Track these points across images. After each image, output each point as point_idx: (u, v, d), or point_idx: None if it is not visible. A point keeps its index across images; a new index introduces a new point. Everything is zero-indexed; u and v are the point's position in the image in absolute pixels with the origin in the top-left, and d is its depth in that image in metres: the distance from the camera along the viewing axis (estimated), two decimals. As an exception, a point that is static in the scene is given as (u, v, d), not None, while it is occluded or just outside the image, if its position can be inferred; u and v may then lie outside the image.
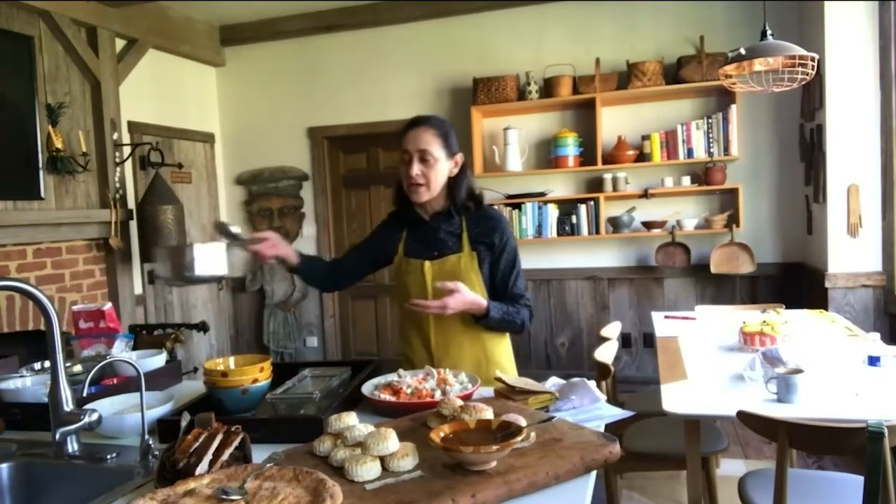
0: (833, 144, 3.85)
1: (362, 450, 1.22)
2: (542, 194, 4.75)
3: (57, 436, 1.44)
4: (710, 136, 4.44)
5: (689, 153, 4.48)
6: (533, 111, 4.89)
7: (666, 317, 3.48)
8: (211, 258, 1.72)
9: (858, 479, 2.00)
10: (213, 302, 5.48)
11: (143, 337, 2.39)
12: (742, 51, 2.69)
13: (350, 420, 1.35)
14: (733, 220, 4.44)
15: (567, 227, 4.74)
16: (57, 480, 1.45)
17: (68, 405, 1.45)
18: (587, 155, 4.69)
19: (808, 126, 4.19)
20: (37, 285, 1.62)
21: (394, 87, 5.20)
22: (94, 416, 1.46)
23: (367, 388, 1.70)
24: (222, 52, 5.51)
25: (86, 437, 1.52)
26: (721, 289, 4.66)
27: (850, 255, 3.85)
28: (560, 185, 4.88)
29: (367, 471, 1.16)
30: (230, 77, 5.58)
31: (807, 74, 2.72)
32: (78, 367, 1.94)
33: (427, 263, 1.99)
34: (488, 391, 1.73)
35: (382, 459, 1.20)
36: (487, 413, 1.37)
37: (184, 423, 1.29)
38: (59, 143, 3.89)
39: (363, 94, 5.27)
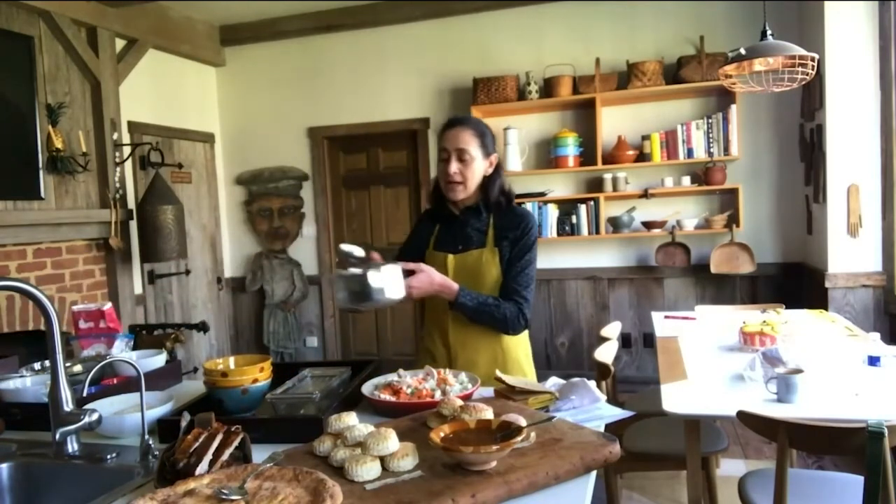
0: (833, 144, 3.85)
1: (362, 450, 1.22)
2: (542, 194, 4.75)
3: (57, 436, 1.44)
4: (710, 136, 4.44)
5: (689, 153, 4.48)
6: (533, 111, 4.89)
7: (666, 317, 3.48)
8: (389, 283, 1.74)
9: (858, 479, 2.00)
10: (213, 302, 5.48)
11: (143, 337, 2.39)
12: (742, 51, 2.69)
13: (350, 420, 1.35)
14: (733, 220, 4.44)
15: (567, 227, 4.74)
16: (57, 480, 1.45)
17: (68, 405, 1.45)
18: (587, 155, 4.69)
19: (808, 126, 4.19)
20: (37, 285, 1.62)
21: (394, 87, 5.20)
22: (94, 416, 1.46)
23: (367, 388, 1.70)
24: (222, 52, 5.51)
25: (86, 437, 1.52)
26: (721, 289, 4.66)
27: (850, 255, 3.85)
28: (560, 185, 4.88)
29: (367, 471, 1.16)
30: (230, 77, 5.58)
31: (807, 74, 2.72)
32: (78, 367, 1.94)
33: (450, 257, 2.03)
34: (488, 391, 1.73)
35: (382, 459, 1.20)
36: (487, 413, 1.37)
37: (184, 423, 1.29)
38: (59, 143, 3.89)
39: (363, 94, 5.27)
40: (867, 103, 3.80)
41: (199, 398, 1.69)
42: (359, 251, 1.85)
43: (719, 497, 2.57)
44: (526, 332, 2.11)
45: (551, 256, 4.96)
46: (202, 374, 1.67)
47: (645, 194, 4.58)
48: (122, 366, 1.97)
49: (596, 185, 4.75)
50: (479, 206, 2.03)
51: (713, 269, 4.48)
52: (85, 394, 1.63)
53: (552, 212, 4.74)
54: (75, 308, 2.22)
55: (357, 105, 5.29)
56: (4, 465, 1.47)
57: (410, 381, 1.70)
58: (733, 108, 4.36)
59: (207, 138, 5.49)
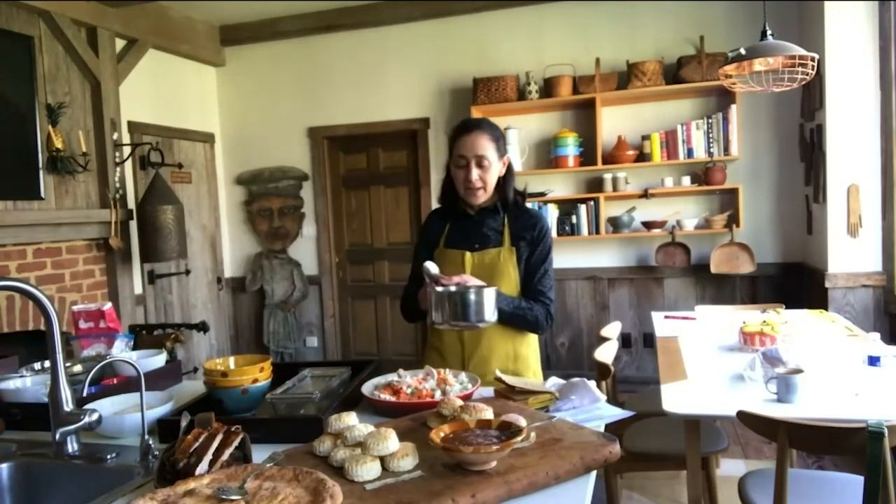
0: (833, 144, 3.85)
1: (362, 450, 1.22)
2: (542, 194, 4.75)
3: (57, 436, 1.44)
4: (710, 136, 4.44)
5: (689, 153, 4.48)
6: (533, 111, 4.89)
7: (666, 317, 3.48)
8: (485, 304, 1.75)
9: (858, 479, 2.00)
10: (213, 302, 5.48)
11: (143, 337, 2.39)
12: (742, 51, 2.68)
13: (350, 420, 1.35)
14: (733, 220, 4.44)
15: (567, 227, 4.74)
16: (57, 480, 1.45)
17: (68, 405, 1.45)
18: (587, 155, 4.69)
19: (808, 126, 4.19)
20: (37, 285, 1.62)
21: (394, 87, 5.20)
22: (94, 416, 1.46)
23: (367, 388, 1.70)
24: (222, 52, 5.51)
25: (86, 437, 1.52)
26: (721, 289, 4.66)
27: (850, 255, 3.85)
28: (560, 185, 4.88)
29: (367, 471, 1.16)
30: (230, 77, 5.58)
31: (807, 74, 2.72)
32: (78, 367, 1.94)
33: (468, 254, 2.04)
34: (488, 391, 1.73)
35: (382, 459, 1.20)
36: (487, 413, 1.37)
37: (184, 423, 1.29)
38: (59, 143, 3.89)
39: (363, 93, 5.27)
40: (867, 103, 3.80)
41: (199, 398, 1.69)
42: (434, 268, 1.89)
43: (719, 497, 2.57)
44: (536, 336, 2.13)
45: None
46: (202, 374, 1.67)
47: (645, 194, 4.58)
48: (122, 366, 1.97)
49: (596, 185, 4.75)
50: (497, 206, 2.06)
51: (713, 269, 4.48)
52: (85, 394, 1.63)
53: (552, 212, 4.74)
54: (75, 308, 2.22)
55: (357, 105, 5.29)
56: (4, 465, 1.47)
57: (410, 381, 1.70)
58: (733, 108, 4.36)
59: (207, 138, 5.49)
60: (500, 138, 2.03)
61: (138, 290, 4.64)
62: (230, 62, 5.55)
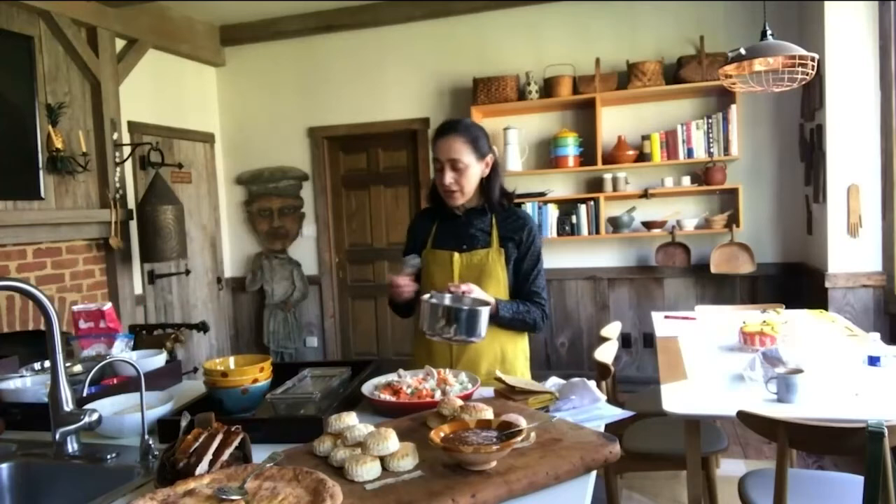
0: (833, 144, 3.85)
1: (362, 450, 1.22)
2: (542, 194, 4.75)
3: (57, 436, 1.44)
4: (710, 136, 4.44)
5: (689, 153, 4.48)
6: (533, 111, 4.89)
7: (666, 317, 3.48)
8: (479, 324, 1.76)
9: (858, 479, 2.00)
10: (213, 302, 5.48)
11: (143, 337, 2.39)
12: (742, 51, 2.68)
13: (350, 420, 1.35)
14: (733, 220, 4.44)
15: (567, 227, 4.74)
16: (57, 480, 1.45)
17: (68, 405, 1.45)
18: (587, 155, 4.69)
19: (808, 126, 4.19)
20: (37, 285, 1.62)
21: (394, 87, 5.20)
22: (94, 416, 1.46)
23: (367, 388, 1.70)
24: (222, 52, 5.51)
25: (86, 437, 1.52)
26: (721, 289, 4.66)
27: (850, 255, 3.85)
28: (560, 185, 4.88)
29: (367, 471, 1.16)
30: (230, 77, 5.58)
31: (807, 74, 2.72)
32: (78, 367, 1.94)
33: (456, 255, 2.04)
34: (488, 391, 1.73)
35: (382, 459, 1.20)
36: (487, 413, 1.37)
37: (184, 423, 1.29)
38: (59, 143, 3.89)
39: (363, 94, 5.27)
40: (867, 103, 3.80)
41: (199, 398, 1.69)
42: (416, 260, 1.93)
43: (719, 497, 2.57)
44: (526, 336, 2.14)
45: (551, 256, 4.95)
46: (202, 374, 1.67)
47: (645, 194, 4.58)
48: (122, 366, 1.97)
49: (596, 185, 4.75)
50: (483, 207, 2.06)
51: (713, 269, 4.48)
52: (85, 394, 1.63)
53: (552, 212, 4.73)
54: (75, 308, 2.22)
55: (357, 105, 5.29)
56: (4, 465, 1.47)
57: (410, 381, 1.70)
58: (733, 108, 4.36)
59: (207, 138, 5.49)
60: (478, 138, 2.01)
61: (138, 290, 4.64)
62: (230, 62, 5.55)
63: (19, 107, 3.76)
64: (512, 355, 2.06)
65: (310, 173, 5.48)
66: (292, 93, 5.44)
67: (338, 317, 5.59)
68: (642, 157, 4.59)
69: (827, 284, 3.86)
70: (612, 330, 3.16)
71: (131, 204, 4.49)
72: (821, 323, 3.13)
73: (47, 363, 1.92)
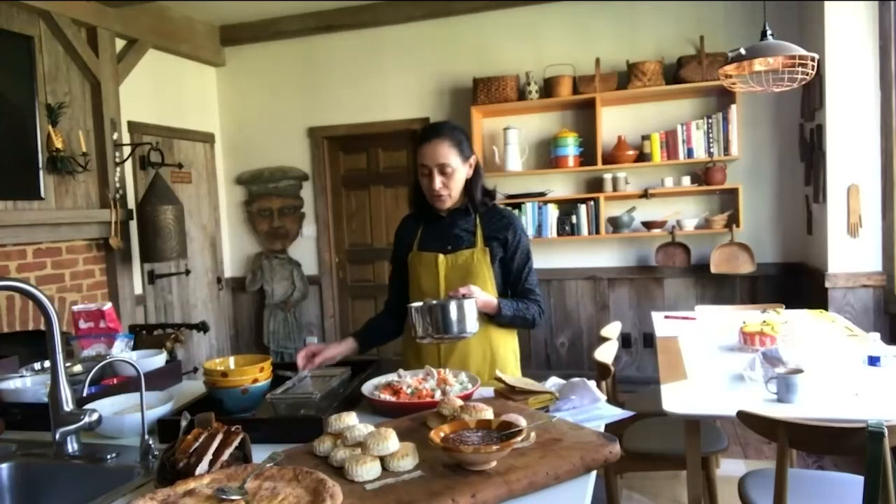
0: (833, 144, 3.85)
1: (362, 450, 1.22)
2: (542, 194, 4.75)
3: (57, 436, 1.44)
4: (710, 136, 4.44)
5: (689, 153, 4.48)
6: (533, 111, 4.89)
7: (666, 317, 3.48)
8: (471, 315, 1.76)
9: (858, 479, 2.00)
10: (213, 302, 5.48)
11: (143, 337, 2.39)
12: (742, 51, 2.68)
13: (350, 420, 1.35)
14: (733, 220, 4.44)
15: (567, 227, 4.74)
16: (57, 480, 1.45)
17: (68, 405, 1.45)
18: (587, 155, 4.69)
19: (808, 126, 4.19)
20: (37, 285, 1.62)
21: (394, 87, 5.20)
22: (94, 416, 1.46)
23: (367, 388, 1.70)
24: (222, 52, 5.51)
25: (86, 437, 1.52)
26: (721, 289, 4.66)
27: (850, 255, 3.85)
28: (560, 185, 4.88)
29: (367, 471, 1.16)
30: (230, 77, 5.58)
31: (807, 74, 2.72)
32: (78, 367, 1.94)
33: (441, 257, 2.04)
34: (488, 391, 1.73)
35: (382, 459, 1.20)
36: (487, 413, 1.37)
37: (184, 423, 1.29)
38: (59, 143, 3.89)
39: (363, 94, 5.27)
40: (867, 103, 3.80)
41: (199, 398, 1.69)
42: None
43: (719, 497, 2.57)
44: (515, 332, 2.14)
45: (551, 256, 4.96)
46: (202, 374, 1.67)
47: (645, 194, 4.58)
48: (122, 366, 1.97)
49: (596, 185, 4.75)
50: (467, 208, 2.07)
51: (713, 269, 4.48)
52: (85, 394, 1.63)
53: (552, 212, 4.73)
54: (75, 308, 2.22)
55: (357, 105, 5.29)
56: (4, 465, 1.47)
57: (410, 381, 1.70)
58: (733, 108, 4.36)
59: (207, 138, 5.49)
60: (462, 141, 2.02)
61: (138, 290, 4.64)
62: (230, 62, 5.55)
63: (19, 107, 3.76)
64: (503, 355, 2.06)
65: (310, 173, 5.48)
66: (292, 93, 5.44)
67: (338, 317, 5.59)
68: (642, 157, 4.59)
69: (827, 284, 3.86)
70: (612, 330, 3.16)
71: (131, 204, 4.49)
72: (821, 323, 3.13)
73: (47, 363, 1.92)
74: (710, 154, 4.43)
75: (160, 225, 4.30)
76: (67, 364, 1.82)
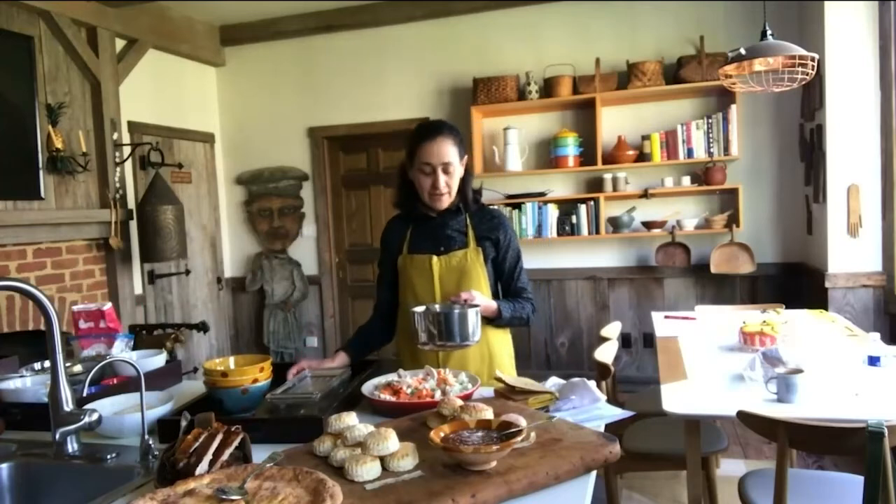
0: (833, 144, 3.85)
1: (362, 450, 1.22)
2: (542, 194, 4.75)
3: (57, 436, 1.44)
4: (710, 136, 4.44)
5: (689, 153, 4.48)
6: (533, 111, 4.89)
7: (666, 317, 3.48)
8: (469, 325, 1.76)
9: (858, 479, 2.00)
10: (213, 302, 5.48)
11: (143, 337, 2.39)
12: (742, 51, 2.68)
13: (350, 420, 1.35)
14: (733, 220, 4.44)
15: (567, 227, 4.74)
16: (57, 480, 1.45)
17: (68, 405, 1.45)
18: (587, 155, 4.69)
19: (808, 126, 4.19)
20: (37, 285, 1.62)
21: (394, 87, 5.20)
22: (94, 416, 1.46)
23: (367, 388, 1.70)
24: (222, 52, 5.51)
25: (86, 437, 1.52)
26: (721, 289, 4.66)
27: (850, 255, 3.85)
28: (560, 185, 4.88)
29: (367, 471, 1.16)
30: (230, 77, 5.58)
31: (807, 74, 2.72)
32: (78, 367, 1.94)
33: (434, 258, 2.03)
34: (488, 391, 1.73)
35: (382, 459, 1.20)
36: (487, 413, 1.37)
37: (184, 423, 1.29)
38: (59, 143, 3.89)
39: (363, 94, 5.27)
40: (867, 103, 3.80)
41: (199, 398, 1.69)
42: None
43: (719, 497, 2.57)
44: (509, 332, 2.14)
45: (551, 256, 4.96)
46: (202, 374, 1.67)
47: (645, 194, 4.58)
48: (122, 366, 1.97)
49: (596, 185, 4.75)
50: (458, 208, 2.06)
51: (713, 269, 4.48)
52: (85, 394, 1.63)
53: (552, 212, 4.73)
54: (75, 308, 2.22)
55: (357, 105, 5.29)
56: (4, 465, 1.47)
57: (410, 381, 1.70)
58: (733, 108, 4.36)
59: (207, 138, 5.49)
60: (461, 141, 2.04)
61: (138, 290, 4.64)
62: (230, 62, 5.55)
63: (19, 107, 3.76)
64: (499, 355, 2.06)
65: (310, 173, 5.48)
66: (292, 93, 5.44)
67: (338, 317, 5.59)
68: (642, 157, 4.59)
69: (827, 284, 3.86)
70: (612, 330, 3.16)
71: (131, 204, 4.49)
72: (821, 323, 3.13)
73: (47, 363, 1.92)
74: (710, 154, 4.43)
75: (160, 225, 4.30)
76: (67, 364, 1.83)
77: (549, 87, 4.67)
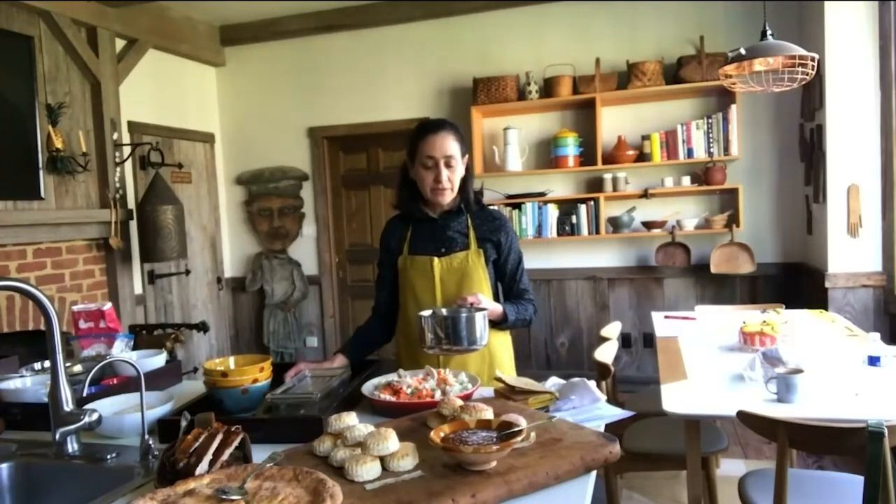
0: (833, 144, 3.85)
1: (362, 450, 1.22)
2: (542, 194, 4.75)
3: (57, 436, 1.44)
4: (710, 136, 4.44)
5: (689, 153, 4.48)
6: (533, 111, 4.89)
7: (666, 317, 3.48)
8: (477, 329, 1.76)
9: (858, 479, 2.00)
10: (213, 302, 5.48)
11: (143, 337, 2.39)
12: (742, 51, 2.68)
13: (350, 420, 1.35)
14: (733, 220, 4.44)
15: (567, 227, 4.74)
16: (57, 480, 1.45)
17: (68, 405, 1.45)
18: (587, 155, 4.69)
19: (808, 126, 4.19)
20: (37, 285, 1.62)
21: (394, 87, 5.20)
22: (94, 416, 1.46)
23: (367, 388, 1.70)
24: (222, 52, 5.51)
25: (86, 437, 1.52)
26: (721, 289, 4.66)
27: (850, 255, 3.85)
28: (560, 185, 4.88)
29: (367, 471, 1.16)
30: (230, 77, 5.58)
31: (807, 74, 2.72)
32: (78, 367, 1.94)
33: (435, 260, 2.02)
34: (488, 391, 1.73)
35: (382, 459, 1.20)
36: (487, 413, 1.37)
37: (184, 423, 1.29)
38: (59, 143, 3.89)
39: (363, 94, 5.27)
40: (867, 103, 3.80)
41: (199, 398, 1.69)
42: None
43: (719, 497, 2.57)
44: (509, 334, 2.14)
45: (551, 256, 4.96)
46: (202, 374, 1.67)
47: (645, 194, 4.58)
48: (122, 366, 1.97)
49: (596, 185, 4.75)
50: (460, 208, 2.05)
51: (713, 269, 4.48)
52: (85, 394, 1.63)
53: (552, 212, 4.73)
54: (75, 308, 2.22)
55: (357, 105, 5.29)
56: (4, 465, 1.47)
57: (410, 381, 1.70)
58: (733, 108, 4.36)
59: (207, 138, 5.49)
60: (463, 138, 2.04)
61: (138, 290, 4.64)
62: (230, 62, 5.55)
63: (19, 107, 3.76)
64: (499, 356, 2.06)
65: (310, 173, 5.48)
66: (292, 93, 5.44)
67: (338, 317, 5.59)
68: (642, 157, 4.59)
69: (827, 284, 3.86)
70: (612, 330, 3.16)
71: (131, 204, 4.49)
72: (821, 323, 3.13)
73: (47, 363, 1.92)
74: (710, 154, 4.43)
75: (160, 225, 4.30)
76: (67, 364, 1.82)
77: (549, 87, 4.67)
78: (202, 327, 3.60)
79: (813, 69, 2.69)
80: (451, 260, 2.02)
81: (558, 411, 1.52)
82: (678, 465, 2.43)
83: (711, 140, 4.44)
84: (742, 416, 1.86)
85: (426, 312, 1.79)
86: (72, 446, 1.47)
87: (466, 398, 1.60)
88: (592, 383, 1.59)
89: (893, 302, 3.79)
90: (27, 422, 1.67)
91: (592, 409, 1.52)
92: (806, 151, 4.27)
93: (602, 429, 1.40)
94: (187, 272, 5.14)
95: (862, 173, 3.83)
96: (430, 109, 5.11)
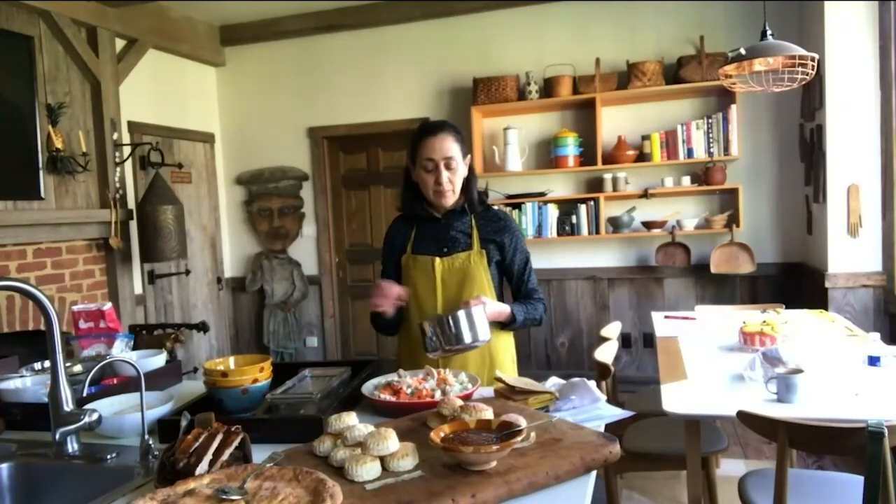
0: (833, 144, 3.85)
1: (362, 450, 1.22)
2: (542, 194, 4.75)
3: (57, 436, 1.44)
4: (710, 136, 4.44)
5: (689, 153, 4.48)
6: (533, 111, 4.89)
7: (666, 317, 3.48)
8: (477, 324, 1.75)
9: (858, 479, 2.00)
10: (213, 302, 5.48)
11: (143, 337, 2.39)
12: (742, 51, 2.68)
13: (350, 420, 1.35)
14: (733, 220, 4.44)
15: (567, 227, 4.74)
16: (57, 480, 1.45)
17: (68, 405, 1.45)
18: (587, 155, 4.69)
19: (808, 126, 4.19)
20: (37, 285, 1.62)
21: (394, 87, 5.20)
22: (94, 416, 1.46)
23: (367, 388, 1.70)
24: (222, 52, 5.51)
25: (86, 437, 1.52)
26: (721, 289, 4.66)
27: (850, 255, 3.85)
28: (560, 185, 4.88)
29: (367, 471, 1.16)
30: (230, 77, 5.58)
31: (807, 74, 2.72)
32: (78, 367, 1.94)
33: (437, 260, 2.02)
34: (488, 391, 1.73)
35: (382, 459, 1.20)
36: (487, 413, 1.37)
37: (184, 423, 1.29)
38: (59, 143, 3.89)
39: (363, 94, 5.27)
40: (867, 103, 3.80)
41: (199, 398, 1.69)
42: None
43: (719, 497, 2.57)
44: (511, 334, 2.13)
45: (551, 256, 4.96)
46: (202, 374, 1.67)
47: (645, 194, 4.58)
48: (122, 366, 1.97)
49: (596, 185, 4.75)
50: (463, 209, 2.05)
51: (713, 269, 4.48)
52: (85, 394, 1.63)
53: (552, 212, 4.73)
54: (75, 308, 2.22)
55: (357, 105, 5.29)
56: (4, 465, 1.47)
57: (410, 381, 1.70)
58: (733, 108, 4.36)
59: (207, 138, 5.49)
60: (464, 140, 2.04)
61: (138, 290, 4.64)
62: (230, 62, 5.55)
63: (19, 107, 3.76)
64: (500, 357, 2.05)
65: (310, 173, 5.48)
66: (292, 93, 5.45)
67: (338, 317, 5.59)
68: (642, 157, 4.59)
69: (827, 284, 3.86)
70: (612, 330, 3.16)
71: (131, 204, 4.49)
72: (821, 323, 3.13)
73: (47, 363, 1.92)
74: (710, 154, 4.43)
75: (160, 225, 4.30)
76: (67, 364, 1.82)
77: (549, 87, 4.67)
78: (202, 327, 3.60)
79: (813, 69, 2.69)
80: (452, 260, 2.02)
81: (558, 411, 1.52)
82: (678, 465, 2.43)
83: (711, 140, 4.44)
84: (742, 416, 1.86)
85: (425, 321, 1.78)
86: (72, 446, 1.47)
87: (466, 398, 1.60)
88: (592, 383, 1.59)
89: (893, 302, 3.79)
90: (27, 422, 1.67)
91: (592, 409, 1.52)
92: (806, 151, 4.27)
93: (602, 429, 1.40)
94: (187, 272, 5.15)
95: (862, 173, 3.83)
96: (430, 109, 5.11)
